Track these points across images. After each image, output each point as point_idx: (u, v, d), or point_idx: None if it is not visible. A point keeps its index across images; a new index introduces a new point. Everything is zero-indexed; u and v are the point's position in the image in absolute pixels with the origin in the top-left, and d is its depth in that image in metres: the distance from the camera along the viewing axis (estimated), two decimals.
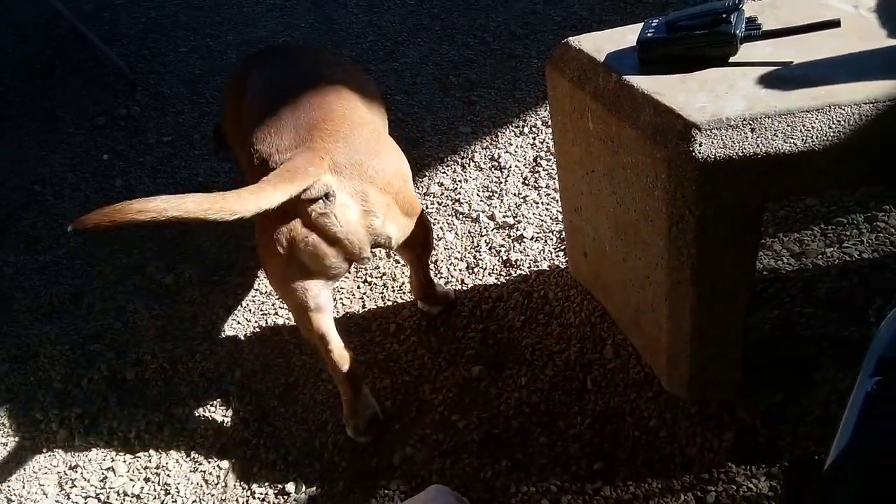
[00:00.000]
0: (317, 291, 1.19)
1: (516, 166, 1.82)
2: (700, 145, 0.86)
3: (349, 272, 1.62)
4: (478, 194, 1.77)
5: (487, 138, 1.93)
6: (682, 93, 0.92)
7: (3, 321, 1.75)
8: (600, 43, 1.08)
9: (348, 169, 1.12)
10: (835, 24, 0.89)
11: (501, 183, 1.78)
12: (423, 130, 2.02)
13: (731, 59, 0.95)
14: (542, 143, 1.86)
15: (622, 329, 1.32)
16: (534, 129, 1.91)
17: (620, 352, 1.30)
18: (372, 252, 1.21)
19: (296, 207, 1.09)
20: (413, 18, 2.46)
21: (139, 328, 1.66)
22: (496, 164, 1.84)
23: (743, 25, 0.95)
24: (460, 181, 1.83)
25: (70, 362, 1.62)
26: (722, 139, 0.85)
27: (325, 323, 1.24)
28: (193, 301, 1.70)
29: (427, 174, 1.87)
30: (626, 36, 1.06)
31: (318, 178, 1.08)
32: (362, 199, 1.14)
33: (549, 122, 1.91)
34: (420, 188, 1.83)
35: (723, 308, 1.01)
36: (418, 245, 1.31)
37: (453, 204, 1.77)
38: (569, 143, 1.18)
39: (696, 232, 0.91)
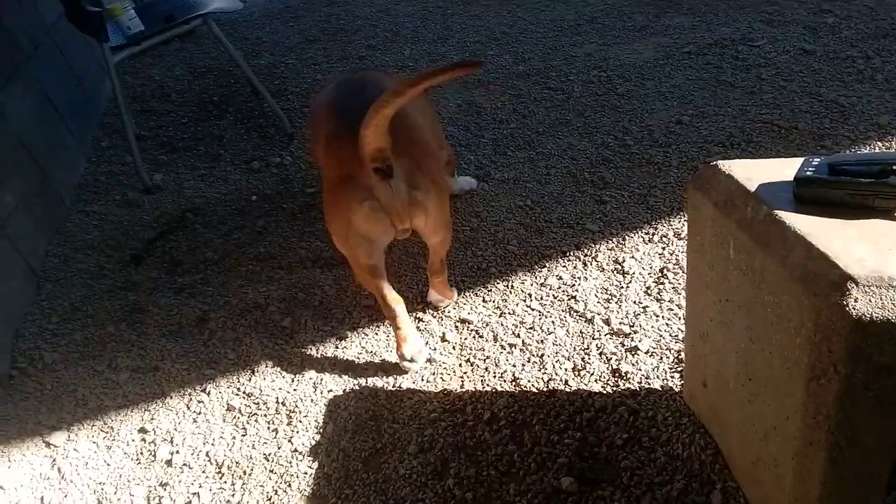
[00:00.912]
0: (371, 250, 1.50)
1: (640, 273, 1.77)
2: (856, 301, 0.80)
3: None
4: (596, 295, 1.74)
5: (614, 240, 1.90)
6: (839, 240, 0.86)
7: (134, 332, 1.90)
8: (751, 171, 1.05)
9: (406, 151, 1.40)
10: None
11: (622, 288, 1.74)
12: (549, 221, 2.03)
13: None
14: (671, 254, 1.81)
15: (735, 475, 1.22)
16: (664, 238, 1.87)
17: (730, 501, 1.20)
18: (411, 230, 1.52)
19: (361, 174, 1.38)
20: (557, 112, 2.52)
21: (251, 362, 1.74)
22: (619, 267, 1.81)
23: None
24: (580, 279, 1.80)
25: (184, 382, 1.72)
26: (881, 298, 0.79)
27: (379, 276, 1.57)
28: (304, 345, 1.76)
29: (546, 265, 1.87)
30: (780, 169, 1.03)
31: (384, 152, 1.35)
32: (411, 177, 1.42)
33: (683, 236, 1.86)
34: (537, 278, 1.83)
35: (860, 481, 0.91)
36: (442, 231, 1.58)
37: (569, 300, 1.74)
38: (704, 266, 1.14)
39: (839, 392, 0.84)
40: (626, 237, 1.90)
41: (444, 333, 1.73)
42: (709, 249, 1.11)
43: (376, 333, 1.77)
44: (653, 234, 1.89)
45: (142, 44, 2.53)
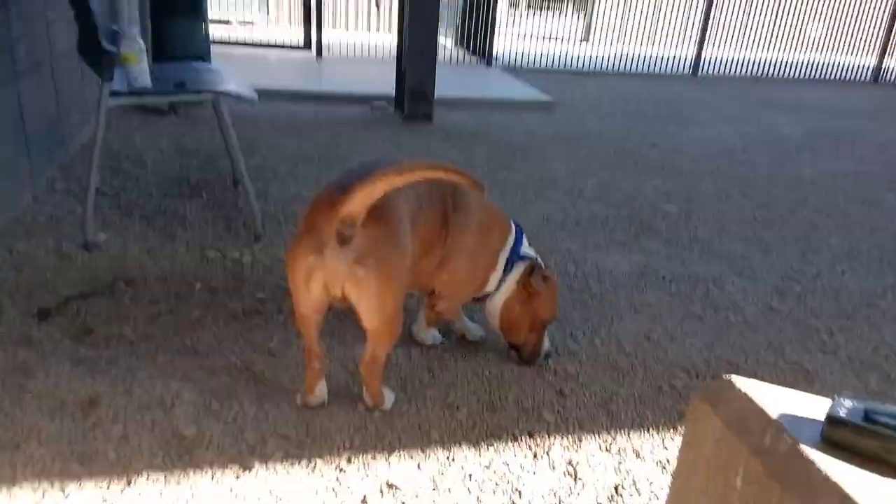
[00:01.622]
0: (307, 301, 1.54)
1: (594, 484, 1.61)
2: None
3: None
4: (543, 497, 1.56)
5: (570, 437, 1.76)
6: (878, 492, 0.76)
7: (8, 396, 1.59)
8: (769, 396, 0.96)
9: (375, 232, 1.47)
10: None
11: (572, 495, 1.57)
12: (505, 398, 1.88)
13: None
14: (627, 472, 1.67)
15: None
16: (622, 452, 1.74)
17: None
18: (344, 302, 1.53)
19: (325, 229, 1.43)
20: None
21: (131, 470, 1.45)
22: (572, 471, 1.64)
23: None
24: (528, 471, 1.63)
25: (43, 473, 1.40)
26: None
27: (308, 326, 1.62)
28: (202, 466, 1.49)
29: (494, 446, 1.69)
30: (800, 401, 0.95)
31: (357, 216, 1.42)
32: (362, 254, 1.47)
33: (642, 455, 1.73)
34: (482, 459, 1.64)
35: None
36: (377, 322, 1.58)
37: (512, 493, 1.55)
38: (694, 490, 1.00)
39: None
40: (583, 438, 1.76)
41: (365, 496, 1.49)
42: (704, 472, 0.98)
43: (288, 472, 1.52)
44: (610, 444, 1.76)
45: (143, 97, 2.45)
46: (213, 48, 5.16)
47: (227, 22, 8.47)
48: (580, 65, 8.00)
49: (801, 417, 0.91)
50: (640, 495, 1.59)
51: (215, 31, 5.85)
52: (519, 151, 4.28)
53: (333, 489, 1.50)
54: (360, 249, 1.47)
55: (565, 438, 1.76)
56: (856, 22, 9.77)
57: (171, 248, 2.42)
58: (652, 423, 1.86)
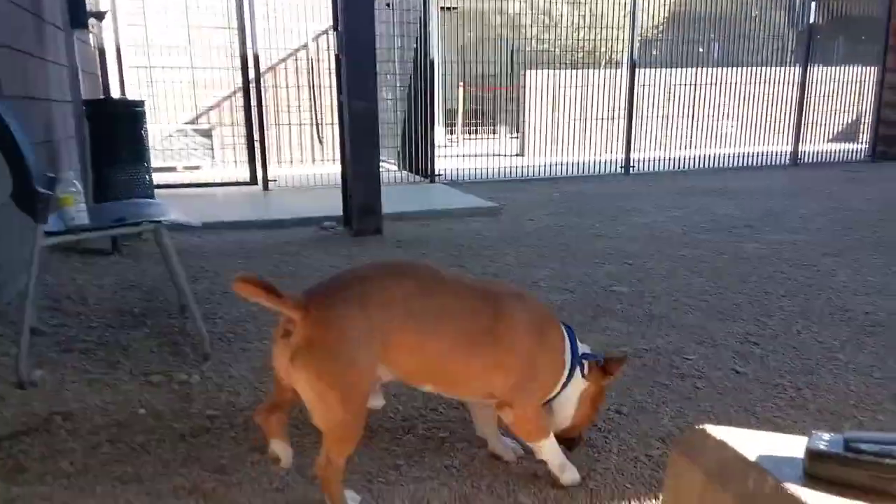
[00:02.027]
0: (278, 378, 1.56)
1: None
2: None
3: None
4: None
5: None
6: None
7: None
8: (745, 440, 0.94)
9: (305, 331, 1.46)
10: None
11: None
12: (478, 488, 1.77)
13: None
14: None
15: None
16: None
17: None
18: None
19: (282, 322, 1.50)
20: None
21: None
22: None
23: None
24: None
25: None
26: None
27: (269, 404, 1.63)
28: None
29: None
30: (775, 442, 0.93)
31: (291, 315, 1.46)
32: (296, 350, 1.45)
33: None
34: None
35: None
36: (323, 429, 1.51)
37: None
38: None
39: None
40: None
41: None
42: None
43: None
44: None
45: (79, 234, 2.41)
46: (161, 192, 5.22)
47: (172, 169, 8.63)
48: (518, 174, 8.38)
49: (781, 457, 0.89)
50: None
51: (162, 178, 5.94)
52: (469, 251, 4.35)
53: None
54: (293, 346, 1.46)
55: None
56: (767, 116, 10.67)
57: (112, 377, 2.29)
58: (633, 495, 1.77)
